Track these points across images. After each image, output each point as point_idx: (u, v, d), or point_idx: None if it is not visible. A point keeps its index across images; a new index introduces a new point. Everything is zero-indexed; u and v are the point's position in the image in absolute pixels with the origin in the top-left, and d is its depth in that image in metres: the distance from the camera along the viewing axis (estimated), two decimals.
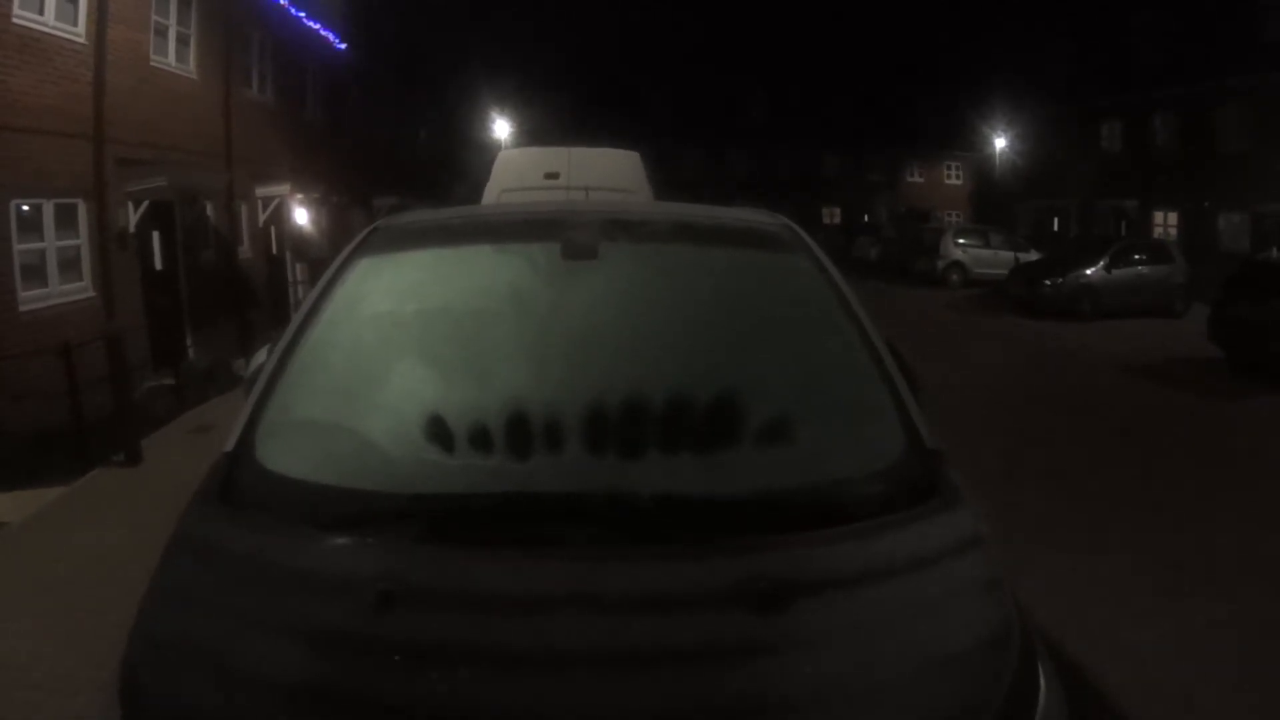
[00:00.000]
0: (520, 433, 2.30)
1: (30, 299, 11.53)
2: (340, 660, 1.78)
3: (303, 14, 22.07)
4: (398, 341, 2.72)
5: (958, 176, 58.26)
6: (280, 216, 20.58)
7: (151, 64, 15.04)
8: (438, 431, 2.32)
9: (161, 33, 15.49)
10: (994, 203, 46.48)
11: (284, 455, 2.35)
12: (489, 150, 27.53)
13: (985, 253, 30.50)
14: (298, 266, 21.41)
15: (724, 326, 2.76)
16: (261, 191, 19.73)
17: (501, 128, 45.42)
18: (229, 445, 2.44)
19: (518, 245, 2.98)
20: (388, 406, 2.48)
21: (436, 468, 2.25)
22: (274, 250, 21.12)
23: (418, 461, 2.28)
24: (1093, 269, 22.51)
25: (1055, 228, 40.49)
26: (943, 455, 2.44)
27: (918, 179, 59.02)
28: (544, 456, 2.27)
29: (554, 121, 44.32)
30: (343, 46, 25.44)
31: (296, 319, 2.82)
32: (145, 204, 14.37)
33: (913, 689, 1.78)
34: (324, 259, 17.96)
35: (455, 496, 2.17)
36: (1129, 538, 7.00)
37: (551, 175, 8.91)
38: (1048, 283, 22.72)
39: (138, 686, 1.85)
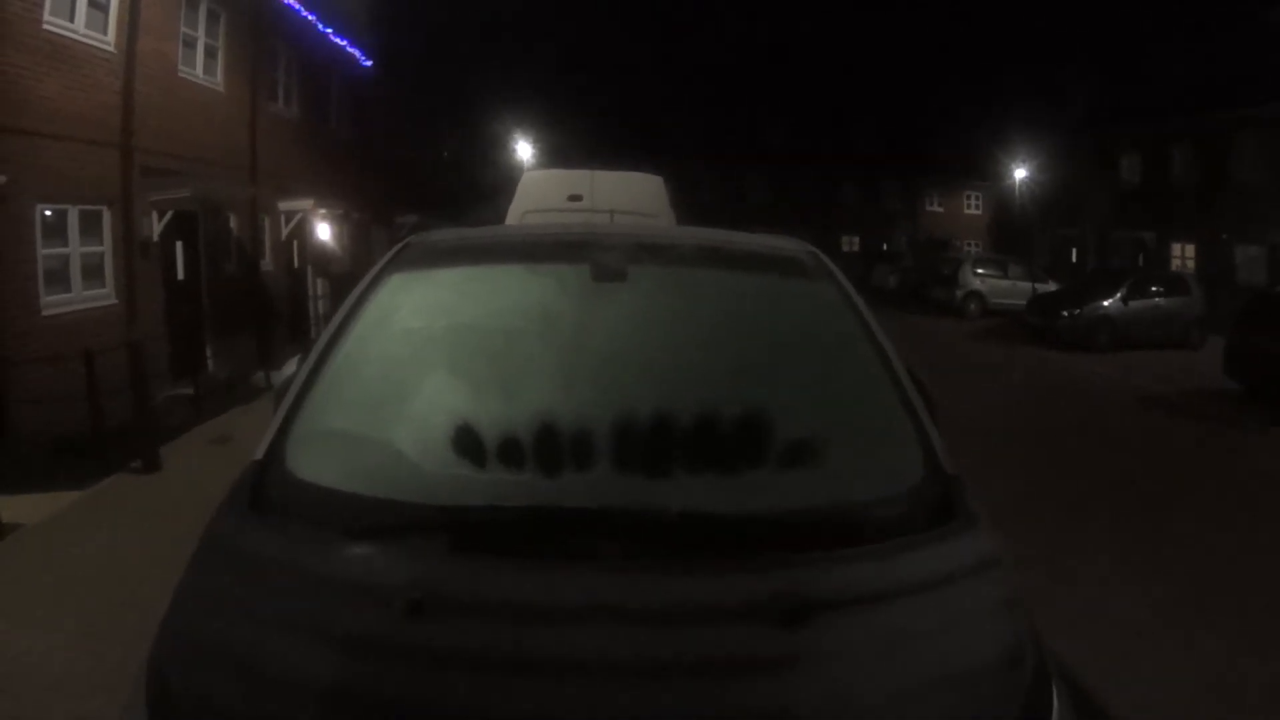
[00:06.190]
0: (549, 449, 2.33)
1: (52, 303, 11.60)
2: (369, 667, 1.80)
3: (330, 30, 22.22)
4: (428, 356, 2.75)
5: (977, 206, 58.13)
6: (302, 231, 20.65)
7: (179, 75, 15.17)
8: (467, 445, 2.35)
9: (190, 44, 15.63)
10: (1013, 233, 46.49)
11: (314, 464, 2.38)
12: (511, 170, 27.64)
13: (1003, 283, 30.54)
14: (318, 282, 21.47)
15: (749, 350, 2.80)
16: (284, 205, 19.80)
17: (523, 149, 45.63)
18: (259, 453, 2.47)
19: (548, 266, 3.02)
20: (418, 420, 2.50)
21: (466, 480, 2.28)
22: (295, 265, 21.21)
23: (447, 474, 2.31)
24: (1110, 300, 22.50)
25: (1073, 258, 40.44)
26: (961, 480, 2.47)
27: (937, 208, 58.84)
28: (572, 472, 2.30)
29: (574, 143, 44.53)
30: (368, 63, 25.60)
31: (328, 331, 2.86)
32: (169, 214, 14.44)
33: (930, 705, 1.81)
34: (345, 275, 18.06)
35: (486, 508, 2.19)
36: (1149, 569, 6.98)
37: (575, 197, 8.94)
38: (1065, 314, 22.73)
39: (165, 687, 1.87)
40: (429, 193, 32.98)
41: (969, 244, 52.48)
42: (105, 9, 12.77)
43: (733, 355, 2.76)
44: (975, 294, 30.58)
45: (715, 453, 2.38)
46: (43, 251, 11.53)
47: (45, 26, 11.35)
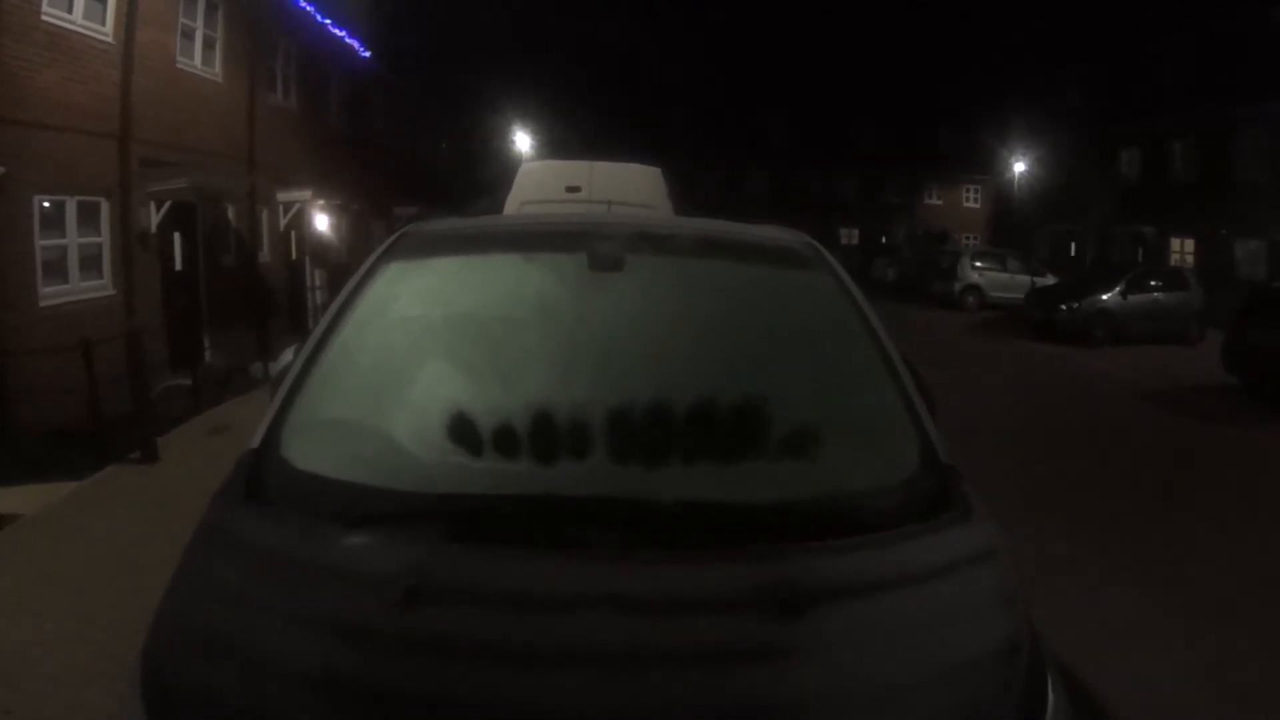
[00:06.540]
0: (546, 438, 2.33)
1: (50, 294, 11.61)
2: (365, 654, 1.80)
3: (328, 21, 22.16)
4: (425, 345, 2.74)
5: (976, 200, 58.09)
6: (301, 222, 20.62)
7: (177, 66, 15.17)
8: (464, 434, 2.35)
9: (188, 35, 15.62)
10: (1012, 226, 46.47)
11: (310, 453, 2.37)
12: (510, 162, 27.57)
13: (1002, 276, 30.51)
14: (316, 272, 21.44)
15: (746, 340, 2.80)
16: (283, 196, 19.79)
17: (522, 140, 45.59)
18: (255, 442, 2.46)
19: (545, 255, 3.01)
20: (415, 408, 2.49)
21: (463, 469, 2.28)
22: (293, 255, 21.19)
23: (444, 463, 2.30)
24: (1109, 295, 22.46)
25: (1073, 252, 40.43)
26: (957, 470, 2.47)
27: (936, 201, 58.80)
28: (569, 461, 2.29)
29: (575, 136, 44.60)
30: (367, 55, 25.53)
31: (324, 320, 2.85)
32: (167, 205, 14.45)
33: (926, 695, 1.82)
34: (343, 265, 18.04)
35: (482, 497, 2.19)
36: (1148, 565, 6.99)
37: (573, 188, 8.91)
38: (1064, 307, 22.67)
39: (161, 676, 1.88)
40: (428, 184, 32.90)
41: (968, 237, 52.47)
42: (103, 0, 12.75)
43: (730, 345, 2.76)
44: (973, 287, 30.54)
45: (712, 443, 2.38)
46: (40, 242, 11.55)
47: (44, 17, 11.36)
